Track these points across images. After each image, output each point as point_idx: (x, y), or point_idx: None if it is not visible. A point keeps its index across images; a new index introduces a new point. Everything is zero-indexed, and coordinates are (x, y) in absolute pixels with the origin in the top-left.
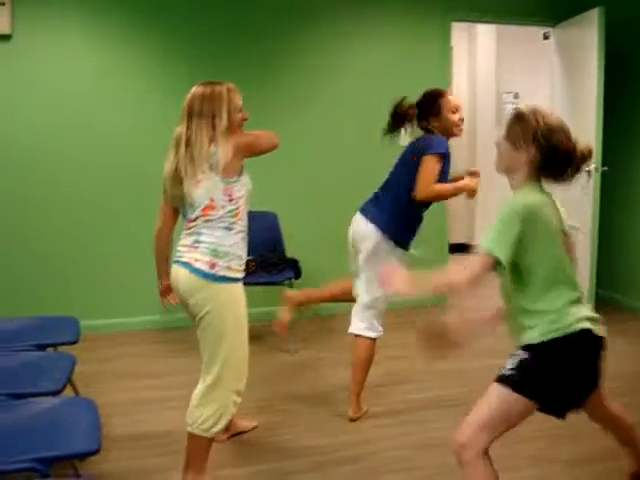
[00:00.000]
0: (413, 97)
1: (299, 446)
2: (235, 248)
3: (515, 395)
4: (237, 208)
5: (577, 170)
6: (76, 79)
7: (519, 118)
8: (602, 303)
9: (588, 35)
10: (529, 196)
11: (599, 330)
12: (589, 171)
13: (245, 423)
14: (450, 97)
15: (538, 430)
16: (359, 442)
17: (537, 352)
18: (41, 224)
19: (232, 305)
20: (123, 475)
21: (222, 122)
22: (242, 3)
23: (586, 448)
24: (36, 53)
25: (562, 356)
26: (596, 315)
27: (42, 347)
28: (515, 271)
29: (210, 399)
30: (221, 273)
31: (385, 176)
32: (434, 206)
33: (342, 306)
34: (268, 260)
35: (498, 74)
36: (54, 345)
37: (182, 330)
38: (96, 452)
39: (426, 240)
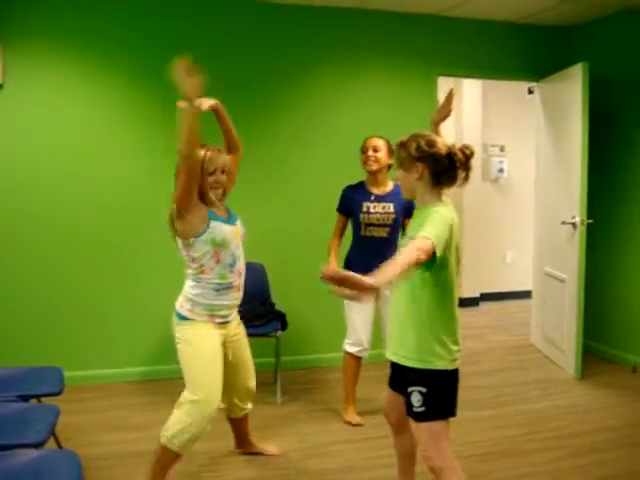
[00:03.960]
0: None
1: None
2: (200, 298)
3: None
4: (200, 266)
5: (466, 169)
6: (68, 126)
7: (401, 145)
8: (589, 354)
9: (572, 90)
10: (447, 210)
11: None
12: (574, 223)
13: (268, 447)
14: (367, 139)
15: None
16: None
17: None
18: (24, 273)
19: (191, 340)
20: None
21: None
22: (239, 61)
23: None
24: (27, 101)
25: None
26: None
27: (25, 398)
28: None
29: (177, 412)
30: (184, 314)
31: None
32: None
33: (327, 358)
34: (255, 312)
35: (484, 127)
36: (37, 396)
37: (168, 381)
38: None
39: None
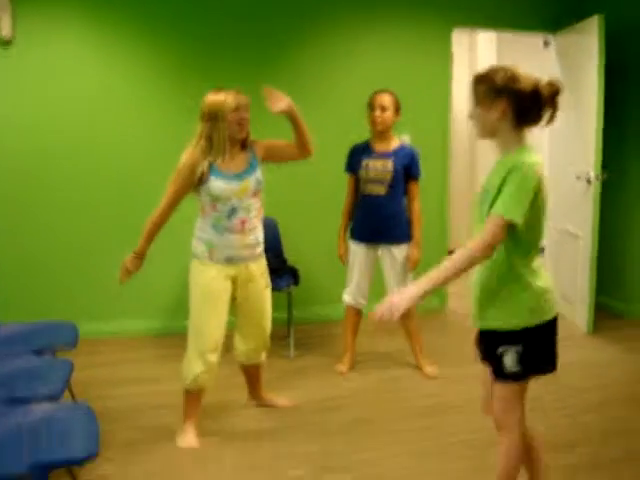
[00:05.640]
0: (414, 102)
1: (295, 452)
2: (200, 232)
3: (523, 382)
4: (202, 206)
5: (553, 108)
6: (77, 84)
7: (480, 79)
8: (601, 310)
9: (588, 42)
10: (530, 157)
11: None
12: (589, 179)
13: (280, 399)
14: (374, 95)
15: None
16: (357, 449)
17: (526, 340)
18: (40, 229)
19: (192, 277)
20: None
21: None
22: (249, 9)
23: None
24: (37, 58)
25: (545, 337)
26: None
27: (40, 352)
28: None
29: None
30: (192, 250)
31: None
32: (435, 212)
33: (339, 313)
34: (267, 267)
35: None
36: (52, 350)
37: (182, 336)
38: (94, 458)
39: (426, 245)
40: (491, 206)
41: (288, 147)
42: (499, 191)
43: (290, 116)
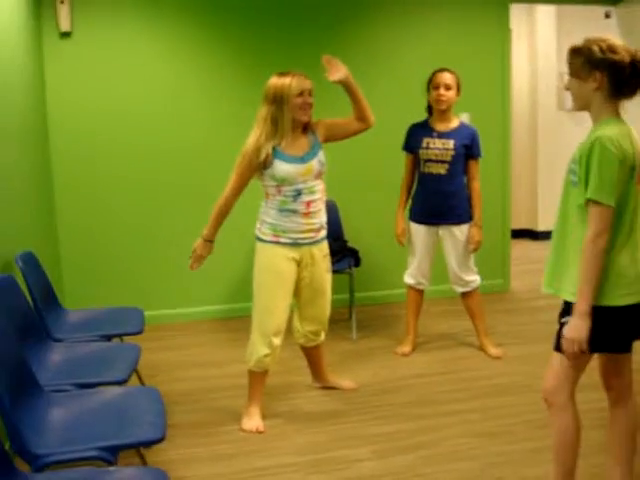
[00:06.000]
0: (472, 80)
1: (359, 434)
2: (265, 216)
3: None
4: (267, 190)
5: None
6: (136, 74)
7: (576, 51)
8: None
9: None
10: (610, 129)
11: None
12: None
13: (344, 381)
14: (437, 74)
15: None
16: (421, 430)
17: (594, 317)
18: (107, 218)
19: (257, 259)
20: (188, 463)
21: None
22: None
23: None
24: (96, 50)
25: (614, 321)
26: None
27: (108, 338)
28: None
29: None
30: (256, 233)
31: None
32: (497, 191)
33: (400, 294)
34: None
35: (559, 56)
36: (120, 335)
37: (247, 318)
38: (161, 440)
39: (487, 226)
40: (580, 184)
41: (348, 122)
42: (587, 170)
43: (347, 86)
